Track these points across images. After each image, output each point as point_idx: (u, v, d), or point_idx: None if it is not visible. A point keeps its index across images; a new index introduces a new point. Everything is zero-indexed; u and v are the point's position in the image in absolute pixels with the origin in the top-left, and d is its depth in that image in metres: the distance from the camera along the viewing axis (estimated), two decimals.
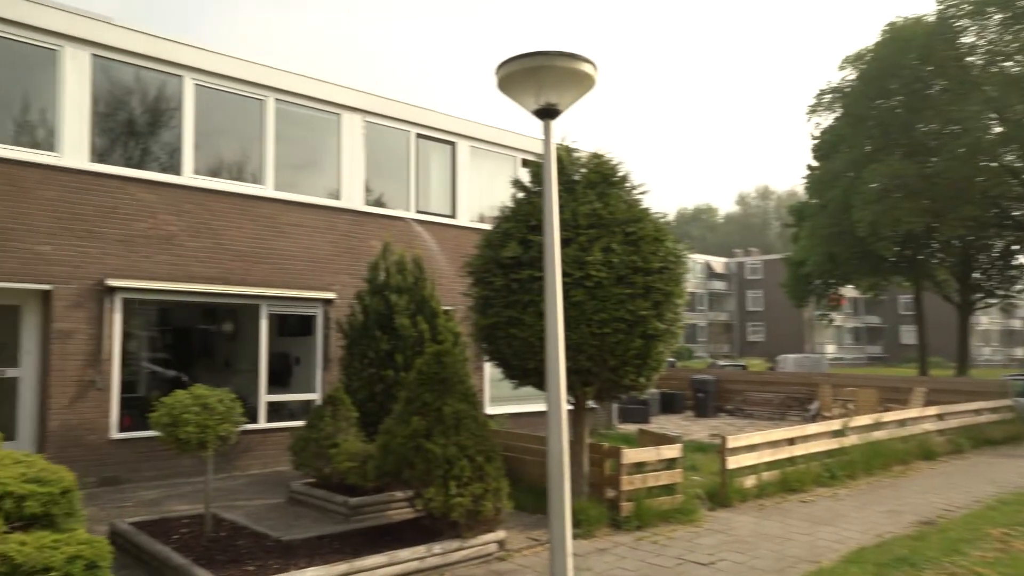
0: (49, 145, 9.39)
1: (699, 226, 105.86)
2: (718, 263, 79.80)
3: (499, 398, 13.43)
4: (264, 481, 9.95)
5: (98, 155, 9.76)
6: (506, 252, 7.54)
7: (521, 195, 8.22)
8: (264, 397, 10.96)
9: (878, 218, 27.47)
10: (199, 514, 7.34)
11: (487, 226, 8.64)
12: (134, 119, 10.20)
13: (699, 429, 16.80)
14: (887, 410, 14.27)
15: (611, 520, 7.87)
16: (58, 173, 9.35)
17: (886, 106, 29.92)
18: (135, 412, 9.95)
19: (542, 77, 4.25)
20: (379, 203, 12.59)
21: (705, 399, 19.95)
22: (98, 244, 9.58)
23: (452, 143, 13.58)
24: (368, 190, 12.40)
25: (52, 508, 4.90)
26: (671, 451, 8.59)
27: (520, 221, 7.75)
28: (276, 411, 11.37)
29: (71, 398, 9.24)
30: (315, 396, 11.45)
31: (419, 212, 13.05)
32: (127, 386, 10.13)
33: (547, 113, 4.45)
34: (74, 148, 9.48)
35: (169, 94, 10.41)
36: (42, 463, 5.37)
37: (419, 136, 13.10)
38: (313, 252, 11.60)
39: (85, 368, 9.36)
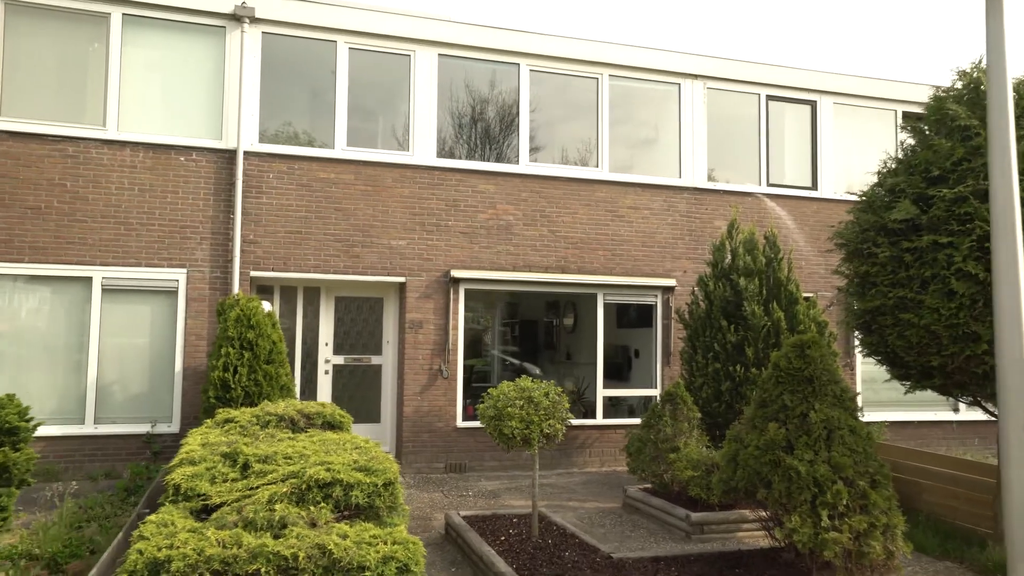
0: (404, 145, 9.92)
1: None
2: None
3: (871, 403, 11.07)
4: (600, 481, 9.30)
5: (443, 151, 10.06)
6: (896, 214, 5.70)
7: (913, 141, 6.26)
8: (601, 392, 10.35)
9: None
10: (530, 513, 6.86)
11: (856, 197, 6.81)
12: (474, 111, 10.35)
13: None
14: None
15: None
16: (411, 171, 9.81)
17: None
18: (477, 402, 10.06)
19: None
20: (724, 178, 11.19)
21: None
22: (444, 236, 9.85)
23: (811, 102, 11.57)
24: (711, 164, 11.09)
25: (376, 500, 4.64)
26: None
27: (915, 173, 5.83)
28: (614, 407, 10.70)
29: (422, 386, 9.61)
30: (655, 392, 10.52)
31: (771, 186, 11.33)
32: (470, 376, 10.32)
33: None
34: (423, 146, 9.88)
35: (506, 83, 10.37)
36: (375, 451, 5.23)
37: (770, 98, 11.38)
38: (651, 236, 10.69)
39: (433, 357, 9.68)
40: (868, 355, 6.42)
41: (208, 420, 6.40)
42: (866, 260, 6.03)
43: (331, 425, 6.46)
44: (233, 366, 7.21)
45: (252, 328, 7.39)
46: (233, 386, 7.12)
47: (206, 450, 5.30)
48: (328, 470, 4.70)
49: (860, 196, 6.34)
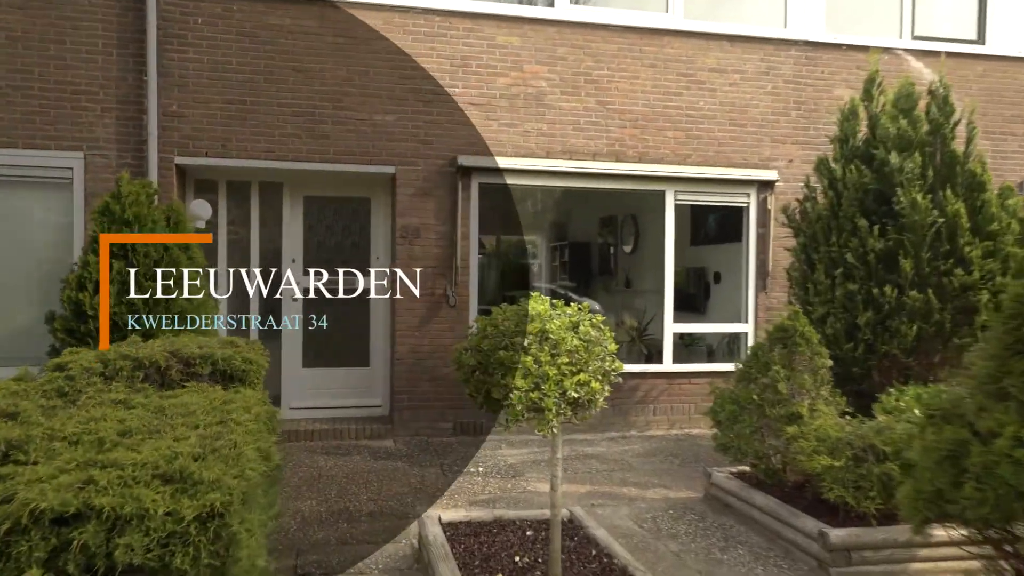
0: None
1: None
2: None
3: None
4: (668, 451, 6.54)
5: None
6: None
7: None
8: (670, 327, 7.48)
9: None
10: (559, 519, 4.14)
11: None
12: None
13: None
14: None
15: None
16: (400, 15, 6.97)
17: None
18: None
19: None
20: (848, 28, 7.92)
21: None
22: (448, 110, 7.01)
23: None
24: (830, 9, 7.84)
25: (175, 554, 2.00)
26: None
27: None
28: (687, 348, 7.90)
29: (420, 318, 6.95)
30: (744, 328, 7.61)
31: (916, 39, 8.00)
32: (489, 303, 7.65)
33: None
34: None
35: None
36: (245, 433, 2.65)
37: None
38: (743, 111, 7.61)
39: (435, 278, 6.98)
40: None
41: (23, 368, 3.87)
42: None
43: (228, 376, 3.89)
44: (92, 281, 4.65)
45: (127, 224, 4.79)
46: (90, 313, 4.58)
47: None
48: (86, 484, 2.08)
49: None
